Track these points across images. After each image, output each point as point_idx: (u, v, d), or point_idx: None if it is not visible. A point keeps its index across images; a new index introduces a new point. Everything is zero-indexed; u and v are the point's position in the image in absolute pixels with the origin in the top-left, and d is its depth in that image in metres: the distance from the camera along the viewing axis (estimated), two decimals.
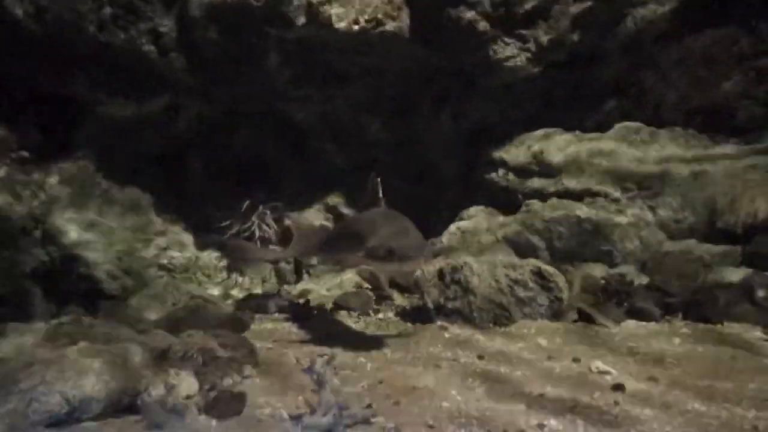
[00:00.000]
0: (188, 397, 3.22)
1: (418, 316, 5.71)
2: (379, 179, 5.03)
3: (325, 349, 4.50)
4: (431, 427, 3.39)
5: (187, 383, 3.32)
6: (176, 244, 7.70)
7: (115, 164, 7.40)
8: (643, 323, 5.48)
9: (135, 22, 6.51)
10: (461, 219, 7.35)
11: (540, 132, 7.42)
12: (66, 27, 6.40)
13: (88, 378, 3.10)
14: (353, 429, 3.23)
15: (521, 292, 5.51)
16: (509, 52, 6.77)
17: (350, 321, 5.86)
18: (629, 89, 7.49)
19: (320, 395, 3.26)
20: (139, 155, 7.55)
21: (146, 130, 7.44)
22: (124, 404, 3.22)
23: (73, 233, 7.01)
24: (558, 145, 7.24)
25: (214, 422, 3.11)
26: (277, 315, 6.00)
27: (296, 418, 3.19)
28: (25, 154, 7.00)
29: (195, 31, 6.63)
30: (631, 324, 5.48)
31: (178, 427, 2.96)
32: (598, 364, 4.26)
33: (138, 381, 3.31)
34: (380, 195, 4.94)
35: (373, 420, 3.33)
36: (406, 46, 6.88)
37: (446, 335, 5.20)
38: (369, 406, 3.49)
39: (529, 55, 6.81)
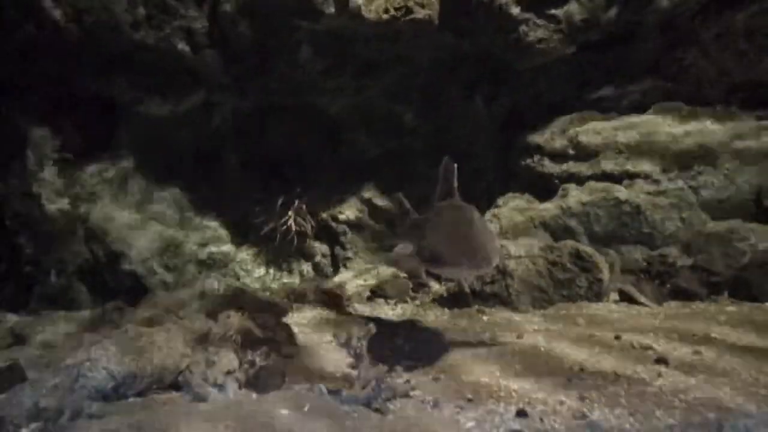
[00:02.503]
0: (228, 373, 3.27)
1: (456, 301, 5.68)
2: (455, 165, 4.54)
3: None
4: (470, 400, 3.37)
5: (227, 360, 3.37)
6: (215, 240, 7.82)
7: (154, 162, 7.55)
8: (688, 303, 5.34)
9: (168, 21, 6.63)
10: (497, 206, 7.27)
11: (575, 115, 7.29)
12: (102, 28, 6.55)
13: (132, 356, 3.18)
14: (392, 402, 3.22)
15: (560, 274, 5.44)
16: (541, 33, 6.68)
17: (387, 308, 5.87)
18: (667, 67, 7.29)
19: (358, 369, 3.26)
20: (176, 153, 7.69)
21: (183, 128, 7.57)
22: (168, 381, 3.29)
23: (115, 231, 7.18)
24: (594, 127, 7.11)
25: (254, 395, 3.15)
26: (315, 304, 6.02)
27: (335, 392, 3.21)
28: (67, 155, 7.19)
29: (227, 27, 6.72)
30: (674, 304, 5.36)
31: (220, 400, 3.00)
32: (641, 340, 4.16)
33: (180, 359, 3.37)
34: (455, 184, 4.47)
35: (411, 393, 3.32)
36: (437, 33, 6.84)
37: (484, 318, 5.17)
38: (408, 381, 3.48)
39: (561, 35, 6.70)
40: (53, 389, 2.77)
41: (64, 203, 6.99)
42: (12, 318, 5.09)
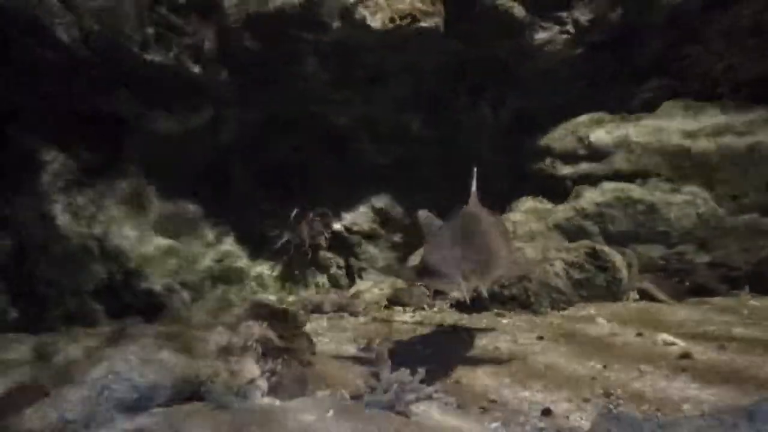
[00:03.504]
0: (251, 382, 3.26)
1: (473, 306, 5.64)
2: (475, 169, 4.55)
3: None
4: (493, 401, 3.35)
5: (248, 369, 3.36)
6: (229, 255, 7.82)
7: (164, 179, 7.57)
8: (708, 299, 5.30)
9: (176, 39, 6.68)
10: (509, 210, 7.25)
11: (585, 116, 7.27)
12: (112, 48, 6.60)
13: (155, 368, 3.18)
14: (415, 405, 3.19)
15: (577, 275, 5.41)
16: (547, 36, 6.70)
17: (405, 316, 5.84)
18: (674, 65, 7.27)
19: (380, 373, 3.24)
20: (186, 169, 7.71)
21: (192, 144, 7.60)
22: (190, 392, 3.28)
23: (130, 249, 7.19)
24: (605, 127, 7.09)
25: (277, 402, 3.13)
26: (332, 314, 6.01)
27: (357, 397, 3.18)
28: (81, 174, 7.23)
29: (233, 42, 6.77)
30: (694, 301, 5.31)
31: (244, 408, 2.99)
32: (664, 337, 4.12)
33: (201, 370, 3.36)
34: (473, 189, 4.45)
35: (435, 396, 3.29)
36: (442, 40, 6.87)
37: (504, 321, 5.13)
38: (430, 384, 3.44)
39: (568, 37, 6.72)
40: (78, 402, 2.78)
41: (78, 223, 7.02)
42: (31, 338, 5.11)
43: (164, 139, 7.45)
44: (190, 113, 7.36)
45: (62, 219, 7.00)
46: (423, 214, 5.02)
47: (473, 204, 4.33)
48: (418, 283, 4.87)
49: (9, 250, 6.88)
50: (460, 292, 4.39)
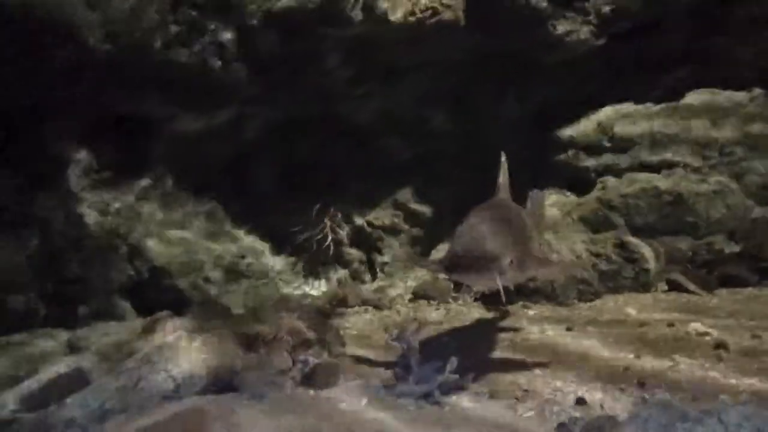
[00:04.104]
0: (284, 372, 3.28)
1: (499, 299, 5.61)
2: (504, 159, 4.32)
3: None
4: (525, 391, 3.33)
5: (280, 360, 3.38)
6: (252, 251, 7.87)
7: (189, 177, 7.63)
8: (738, 289, 5.22)
9: (199, 37, 6.71)
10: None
11: (609, 107, 7.20)
12: (135, 48, 6.66)
13: (190, 358, 3.22)
14: (448, 395, 3.19)
15: (605, 266, 5.35)
16: (570, 26, 6.63)
17: (431, 309, 5.84)
18: (699, 53, 7.16)
19: (411, 364, 3.24)
20: (210, 167, 7.77)
21: (215, 142, 7.64)
22: (224, 382, 3.31)
23: (156, 247, 7.27)
24: (629, 118, 7.01)
25: (311, 392, 3.15)
26: (357, 307, 6.03)
27: (390, 387, 3.19)
28: (106, 173, 7.32)
29: (255, 40, 6.78)
30: (725, 292, 5.23)
31: (279, 397, 3.01)
32: (697, 326, 4.06)
33: (234, 361, 3.39)
34: (502, 180, 4.21)
35: (466, 386, 3.28)
36: (463, 33, 6.84)
37: (530, 313, 5.11)
38: (461, 375, 3.44)
39: (591, 27, 6.65)
40: (117, 392, 2.82)
41: (106, 221, 7.10)
42: (63, 332, 5.20)
43: (188, 138, 7.49)
44: (213, 111, 7.40)
45: (90, 217, 7.08)
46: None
47: (503, 195, 4.19)
48: (448, 278, 4.70)
49: (38, 248, 6.97)
50: (494, 287, 4.26)
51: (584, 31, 6.66)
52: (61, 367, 3.36)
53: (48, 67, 6.72)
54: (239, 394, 3.12)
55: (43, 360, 4.12)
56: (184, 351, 3.28)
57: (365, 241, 7.94)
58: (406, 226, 7.96)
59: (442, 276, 6.68)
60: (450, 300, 5.98)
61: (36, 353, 4.51)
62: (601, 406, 3.07)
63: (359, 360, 3.90)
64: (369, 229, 7.92)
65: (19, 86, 6.48)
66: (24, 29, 6.22)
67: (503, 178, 4.23)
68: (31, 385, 3.23)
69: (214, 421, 2.43)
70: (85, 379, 3.20)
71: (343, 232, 7.91)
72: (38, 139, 6.99)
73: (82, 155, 7.21)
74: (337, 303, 6.04)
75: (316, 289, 7.77)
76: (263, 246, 7.94)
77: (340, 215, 7.91)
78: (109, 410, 2.76)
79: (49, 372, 3.32)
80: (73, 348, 4.49)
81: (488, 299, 5.72)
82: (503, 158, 4.30)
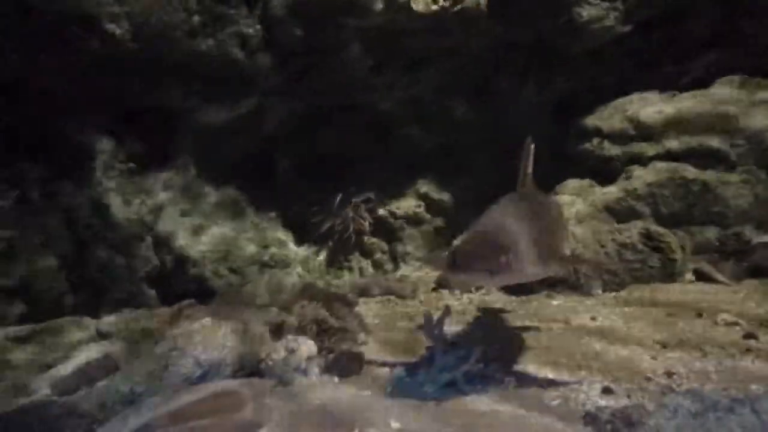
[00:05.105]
0: (309, 359, 3.30)
1: (523, 289, 5.59)
2: (533, 146, 4.01)
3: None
4: (551, 380, 3.31)
5: (306, 347, 3.41)
6: (275, 241, 7.93)
7: (212, 168, 7.71)
8: (767, 280, 5.11)
9: (222, 28, 6.75)
10: (556, 193, 7.13)
11: (635, 95, 7.09)
12: (160, 39, 6.71)
13: (217, 345, 3.25)
14: (471, 384, 3.19)
15: (630, 256, 5.28)
16: (595, 13, 6.53)
17: (453, 299, 5.82)
18: (727, 40, 7.01)
19: (436, 352, 3.24)
20: (232, 157, 7.83)
21: (237, 133, 7.70)
22: (251, 369, 3.34)
23: (180, 236, 7.36)
24: (655, 106, 6.89)
25: (336, 379, 3.17)
26: (380, 297, 6.04)
27: (414, 375, 3.19)
28: (132, 164, 7.41)
29: (278, 31, 6.80)
30: (754, 282, 5.13)
31: (305, 384, 3.03)
32: (725, 317, 4.00)
33: (260, 347, 3.42)
34: (528, 170, 3.89)
35: (491, 375, 3.28)
36: (486, 21, 6.78)
37: (554, 303, 5.07)
38: (486, 363, 3.43)
39: (617, 14, 6.55)
40: (146, 377, 2.86)
41: (131, 211, 7.20)
42: (91, 320, 5.29)
43: (211, 128, 7.56)
44: (236, 102, 7.44)
45: (116, 207, 7.19)
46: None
47: (528, 186, 3.91)
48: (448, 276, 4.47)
49: (65, 238, 7.09)
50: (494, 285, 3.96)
51: (610, 18, 6.55)
52: (91, 353, 3.43)
53: (74, 58, 6.81)
54: (266, 380, 3.15)
55: (72, 347, 4.20)
56: (211, 338, 3.31)
57: (388, 230, 7.95)
58: (429, 216, 7.95)
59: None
60: (472, 290, 5.96)
61: (65, 340, 4.59)
62: (628, 396, 3.04)
63: (383, 348, 3.91)
64: (391, 219, 7.92)
65: (45, 78, 6.58)
66: (50, 21, 6.31)
67: (529, 166, 3.95)
68: (63, 370, 3.31)
69: (249, 401, 2.48)
70: (115, 364, 3.26)
71: (366, 222, 7.92)
72: (64, 130, 7.09)
73: (108, 146, 7.31)
74: (360, 292, 6.04)
75: (339, 278, 7.80)
76: (286, 236, 8.00)
77: (362, 205, 7.92)
78: (139, 394, 2.81)
79: (80, 358, 3.39)
80: (101, 335, 4.58)
81: (512, 289, 5.70)
82: (531, 144, 4.01)
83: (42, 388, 3.22)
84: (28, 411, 2.65)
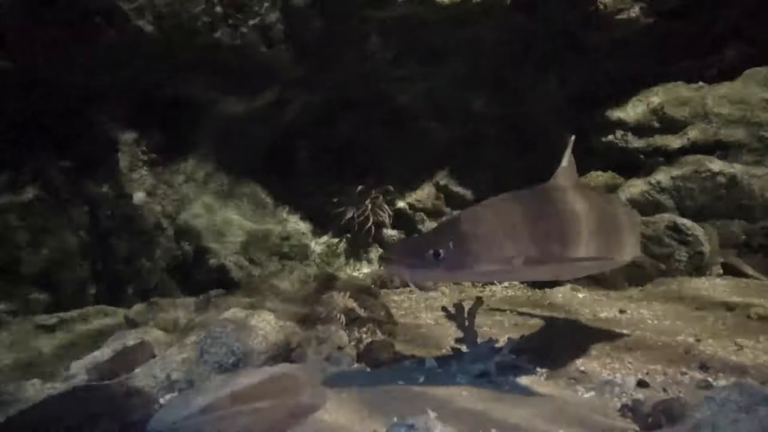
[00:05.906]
0: (339, 348, 3.30)
1: (546, 282, 5.56)
2: (573, 137, 3.76)
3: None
4: (583, 372, 3.29)
5: (337, 336, 3.41)
6: (294, 233, 7.92)
7: (232, 159, 7.70)
8: None
9: (244, 19, 6.73)
10: None
11: (659, 87, 7.01)
12: (181, 30, 6.70)
13: (249, 333, 3.26)
14: (503, 375, 3.17)
15: (657, 249, 5.24)
16: (620, 4, 6.45)
17: (476, 291, 5.81)
18: (754, 31, 6.91)
19: (467, 342, 3.23)
20: (251, 149, 7.81)
21: (257, 124, 7.68)
22: (283, 357, 3.35)
23: (202, 227, 7.37)
24: (680, 98, 6.82)
25: (368, 369, 3.17)
26: (401, 288, 6.04)
27: (446, 366, 3.19)
28: (154, 155, 7.43)
29: (299, 22, 6.77)
30: None
31: (338, 373, 3.03)
32: (758, 310, 3.96)
33: (291, 337, 3.43)
34: (564, 164, 3.52)
35: (523, 366, 3.26)
36: (507, 13, 6.71)
37: (579, 296, 5.04)
38: (517, 355, 3.42)
39: (642, 4, 6.46)
40: (182, 363, 2.87)
41: (154, 203, 7.23)
42: (118, 309, 5.33)
43: (232, 120, 7.55)
44: (257, 94, 7.43)
45: (138, 198, 7.21)
46: None
47: (560, 181, 3.46)
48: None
49: (87, 228, 7.14)
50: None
51: (636, 9, 6.48)
52: (129, 339, 3.45)
53: (96, 49, 6.84)
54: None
55: (102, 336, 4.22)
56: (242, 327, 3.32)
57: (407, 223, 7.93)
58: (448, 209, 7.92)
59: None
60: (495, 282, 5.93)
61: (93, 329, 4.64)
62: (664, 389, 3.01)
63: (413, 338, 3.91)
64: (410, 212, 7.91)
65: (67, 69, 6.62)
66: (72, 11, 6.34)
67: (567, 161, 3.56)
68: (100, 355, 3.34)
69: (307, 385, 2.50)
70: (151, 350, 3.28)
71: (385, 214, 7.90)
72: (87, 121, 7.13)
73: (130, 137, 7.33)
74: (381, 284, 6.04)
75: (358, 270, 7.81)
76: (305, 227, 7.99)
77: (381, 197, 7.91)
78: (176, 381, 2.83)
79: (117, 344, 3.41)
80: (129, 323, 4.61)
81: (535, 282, 5.66)
82: (571, 138, 3.75)
83: (81, 372, 3.25)
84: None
